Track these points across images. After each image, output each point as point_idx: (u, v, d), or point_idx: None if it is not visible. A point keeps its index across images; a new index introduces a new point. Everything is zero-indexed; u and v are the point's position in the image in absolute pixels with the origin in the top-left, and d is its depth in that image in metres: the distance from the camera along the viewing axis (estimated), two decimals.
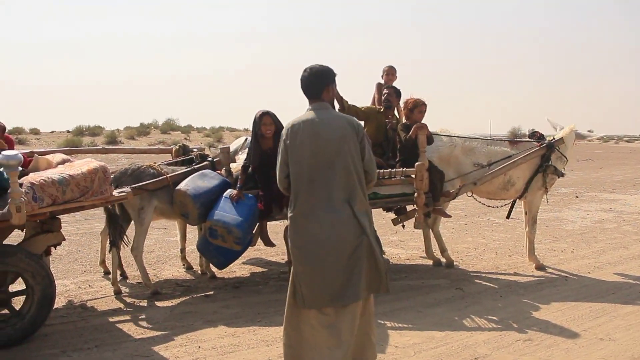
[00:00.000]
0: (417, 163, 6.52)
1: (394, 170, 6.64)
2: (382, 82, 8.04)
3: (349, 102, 7.20)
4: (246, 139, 7.73)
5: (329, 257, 3.81)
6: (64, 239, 5.58)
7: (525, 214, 7.94)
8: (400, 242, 9.20)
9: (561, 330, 5.34)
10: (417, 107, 6.84)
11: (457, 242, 9.32)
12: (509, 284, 6.91)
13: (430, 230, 7.77)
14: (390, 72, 7.99)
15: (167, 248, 8.53)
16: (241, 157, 7.07)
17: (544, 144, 7.60)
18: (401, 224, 7.39)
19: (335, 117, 3.98)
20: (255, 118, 6.26)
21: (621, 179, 21.27)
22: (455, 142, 7.50)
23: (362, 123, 7.20)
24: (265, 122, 6.21)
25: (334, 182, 3.82)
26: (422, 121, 6.79)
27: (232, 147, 7.52)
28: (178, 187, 6.24)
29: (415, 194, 6.62)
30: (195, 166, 6.70)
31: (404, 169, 6.63)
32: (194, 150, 7.41)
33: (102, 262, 7.12)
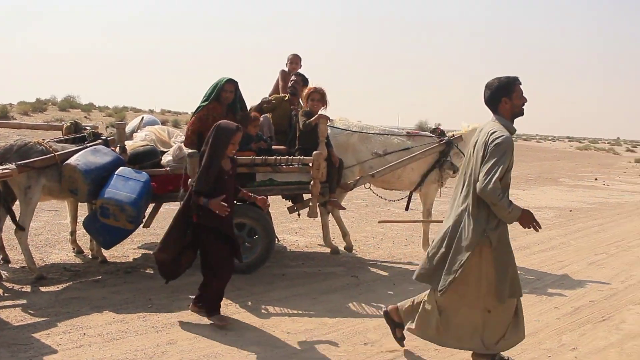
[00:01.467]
0: (315, 152, 6.52)
1: (291, 157, 6.61)
2: (287, 69, 8.01)
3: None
4: (142, 117, 7.50)
5: None
6: None
7: (423, 205, 8.17)
8: (300, 230, 9.24)
9: None
10: (310, 96, 6.88)
11: (357, 230, 9.48)
12: (403, 272, 7.10)
13: (331, 216, 7.83)
14: (294, 61, 8.00)
15: (56, 231, 8.12)
16: (138, 135, 6.83)
17: (444, 141, 7.80)
18: (296, 212, 7.39)
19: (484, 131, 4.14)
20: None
21: (516, 174, 22.32)
22: (352, 128, 7.68)
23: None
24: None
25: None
26: (325, 110, 6.87)
27: (130, 127, 7.27)
28: (67, 162, 5.93)
29: (311, 183, 6.61)
30: (88, 144, 6.40)
31: (302, 157, 6.62)
32: (87, 128, 7.05)
33: None
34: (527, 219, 4.05)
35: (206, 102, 6.53)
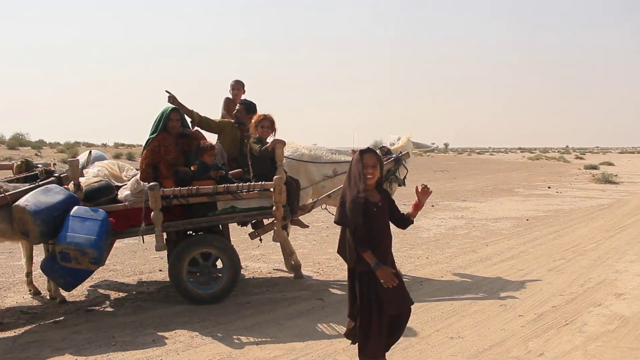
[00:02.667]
0: (275, 177, 6.52)
1: (252, 184, 6.59)
2: (230, 96, 8.00)
3: (201, 115, 7.17)
4: (90, 151, 7.38)
5: None
6: None
7: None
8: (262, 256, 9.16)
9: (416, 332, 5.56)
10: (259, 123, 6.93)
11: (319, 253, 9.46)
12: None
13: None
14: (236, 87, 7.99)
15: (10, 273, 7.86)
16: (90, 171, 6.69)
17: (391, 159, 8.09)
18: (258, 238, 7.41)
19: None
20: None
21: (472, 187, 22.83)
22: (302, 151, 7.85)
23: (216, 136, 7.20)
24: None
25: None
26: (274, 136, 6.95)
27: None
28: (17, 203, 5.73)
29: (274, 207, 6.60)
30: (40, 183, 6.24)
31: (263, 182, 6.59)
32: (39, 165, 6.88)
33: None
34: None
35: (155, 134, 6.50)
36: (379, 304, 4.02)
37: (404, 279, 4.38)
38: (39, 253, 7.38)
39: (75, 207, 5.84)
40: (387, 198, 4.17)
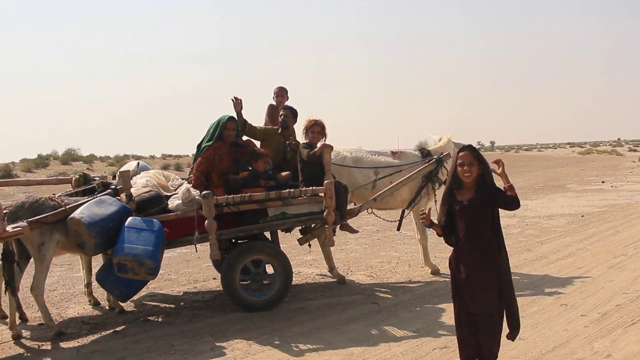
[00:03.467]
0: (326, 181, 6.57)
1: (304, 189, 6.62)
2: (274, 103, 8.01)
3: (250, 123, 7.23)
4: (138, 163, 7.50)
5: None
6: None
7: (416, 223, 8.25)
8: (314, 262, 9.16)
9: None
10: (310, 128, 7.04)
11: (371, 257, 9.41)
12: (423, 294, 7.02)
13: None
14: (280, 94, 7.98)
15: (71, 285, 8.07)
16: (139, 182, 6.77)
17: (434, 160, 8.01)
18: (307, 243, 7.45)
19: None
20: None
21: (522, 185, 22.34)
22: (343, 155, 7.85)
23: (259, 143, 7.24)
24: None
25: None
26: (325, 141, 7.02)
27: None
28: (72, 215, 5.79)
29: (325, 212, 6.62)
30: (98, 195, 6.39)
31: (314, 187, 6.62)
32: (96, 178, 7.04)
33: None
34: None
35: (210, 142, 6.56)
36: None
37: None
38: (97, 264, 7.56)
39: (130, 218, 5.89)
40: (482, 196, 3.95)
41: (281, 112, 7.53)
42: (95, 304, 7.03)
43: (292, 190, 6.55)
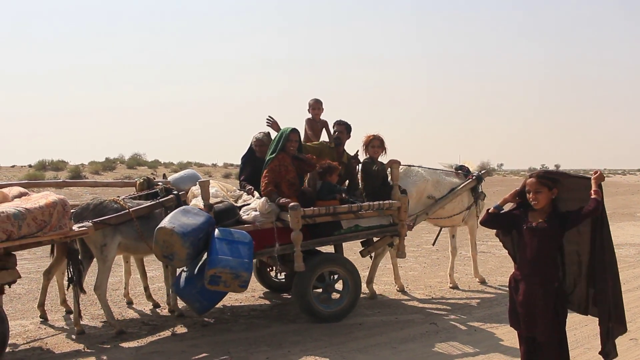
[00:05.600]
0: (400, 195, 6.83)
1: (381, 202, 6.75)
2: (310, 116, 7.93)
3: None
4: (191, 171, 7.56)
5: None
6: (20, 277, 5.34)
7: (452, 237, 8.73)
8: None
9: None
10: (370, 143, 7.21)
11: (430, 276, 9.24)
12: (483, 317, 6.82)
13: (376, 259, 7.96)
14: (315, 106, 7.87)
15: (132, 285, 8.23)
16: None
17: (475, 176, 8.51)
18: (369, 255, 7.54)
19: None
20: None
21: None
22: (426, 176, 8.12)
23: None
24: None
25: None
26: (385, 155, 7.25)
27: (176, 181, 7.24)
28: (162, 225, 5.61)
29: (399, 225, 6.85)
30: (161, 200, 6.51)
31: (390, 201, 6.79)
32: (159, 183, 7.17)
33: (63, 302, 6.84)
34: None
35: (274, 155, 6.59)
36: None
37: None
38: (154, 268, 7.69)
39: (219, 229, 5.74)
40: (552, 223, 3.95)
41: (335, 128, 7.55)
42: (156, 306, 7.16)
43: (374, 203, 6.69)
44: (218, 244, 5.54)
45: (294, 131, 6.77)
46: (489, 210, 4.12)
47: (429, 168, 8.42)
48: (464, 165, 8.87)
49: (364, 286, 7.76)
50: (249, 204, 6.49)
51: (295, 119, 7.31)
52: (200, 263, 5.82)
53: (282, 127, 6.96)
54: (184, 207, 6.03)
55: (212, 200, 6.22)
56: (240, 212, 6.34)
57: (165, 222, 5.63)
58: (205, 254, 5.72)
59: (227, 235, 5.69)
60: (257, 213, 6.27)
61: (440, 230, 8.95)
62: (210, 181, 6.86)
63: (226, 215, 6.13)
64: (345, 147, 7.63)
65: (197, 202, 6.36)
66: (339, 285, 6.83)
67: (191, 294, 5.80)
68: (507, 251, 4.40)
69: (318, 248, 6.93)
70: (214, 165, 40.06)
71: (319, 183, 6.83)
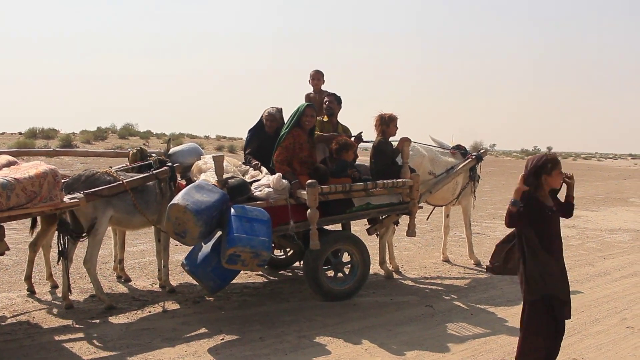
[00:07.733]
0: (413, 174, 6.87)
1: (395, 180, 6.76)
2: (311, 92, 7.82)
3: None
4: (192, 145, 7.42)
5: None
6: (8, 249, 5.19)
7: (447, 216, 8.92)
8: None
9: None
10: (393, 121, 7.13)
11: (425, 257, 9.16)
12: (479, 300, 6.75)
13: (382, 239, 7.78)
14: (316, 77, 7.74)
15: (125, 259, 8.08)
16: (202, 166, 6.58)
17: (474, 156, 8.45)
18: (376, 233, 7.49)
19: None
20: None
21: (582, 195, 21.50)
22: (422, 151, 8.03)
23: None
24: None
25: None
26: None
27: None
28: (174, 202, 5.39)
29: (411, 203, 6.89)
30: (154, 171, 6.33)
31: (404, 180, 6.81)
32: (152, 155, 6.94)
33: (49, 277, 6.68)
34: None
35: (288, 129, 6.42)
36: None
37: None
38: (146, 240, 7.55)
39: (236, 207, 5.53)
40: (557, 204, 4.16)
41: (325, 99, 7.37)
42: (126, 280, 7.06)
43: (389, 181, 6.68)
44: (237, 222, 5.33)
45: (310, 106, 6.59)
46: (512, 210, 3.96)
47: (425, 144, 8.32)
48: (460, 145, 8.76)
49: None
50: (259, 179, 6.31)
51: (284, 95, 7.11)
52: (214, 241, 5.66)
53: (278, 106, 6.93)
54: (197, 182, 5.79)
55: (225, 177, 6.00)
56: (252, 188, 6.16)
57: (178, 199, 5.41)
58: (219, 232, 5.56)
59: (245, 212, 5.47)
60: (271, 190, 6.06)
61: (433, 208, 9.03)
62: (222, 156, 6.78)
63: (239, 191, 5.91)
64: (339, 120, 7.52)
65: (207, 177, 6.11)
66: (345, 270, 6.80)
67: (206, 272, 5.62)
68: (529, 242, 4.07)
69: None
70: (207, 137, 39.74)
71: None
